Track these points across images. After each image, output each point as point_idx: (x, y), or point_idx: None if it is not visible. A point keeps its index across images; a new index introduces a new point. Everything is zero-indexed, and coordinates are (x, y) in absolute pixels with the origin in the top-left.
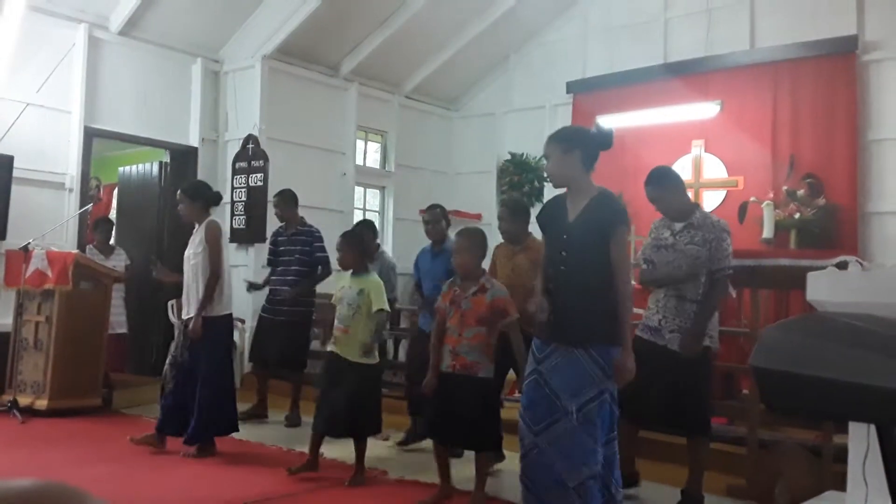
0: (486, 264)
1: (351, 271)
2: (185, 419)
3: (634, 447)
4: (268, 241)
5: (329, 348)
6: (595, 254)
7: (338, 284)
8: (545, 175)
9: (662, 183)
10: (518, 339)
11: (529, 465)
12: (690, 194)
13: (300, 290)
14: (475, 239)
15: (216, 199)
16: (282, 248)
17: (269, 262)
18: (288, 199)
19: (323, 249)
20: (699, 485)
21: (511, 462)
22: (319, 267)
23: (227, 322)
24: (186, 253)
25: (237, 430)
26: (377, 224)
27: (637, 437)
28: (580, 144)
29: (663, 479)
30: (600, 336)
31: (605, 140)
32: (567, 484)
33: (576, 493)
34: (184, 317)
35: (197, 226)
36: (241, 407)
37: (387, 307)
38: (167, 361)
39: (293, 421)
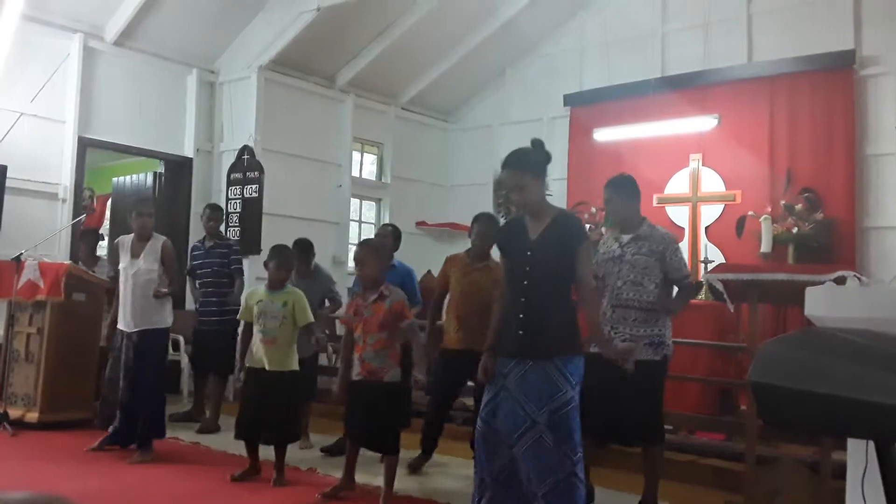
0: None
1: (266, 286)
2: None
3: (589, 460)
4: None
5: (248, 363)
6: (558, 269)
7: (251, 300)
8: (511, 205)
9: (618, 188)
10: (417, 341)
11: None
12: (688, 208)
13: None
14: (380, 251)
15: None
16: (198, 262)
17: (188, 273)
18: (219, 213)
19: (239, 262)
20: (654, 494)
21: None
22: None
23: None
24: (137, 267)
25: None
26: (373, 235)
27: (593, 451)
28: (544, 168)
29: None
30: (564, 347)
31: (549, 157)
32: (536, 494)
33: (544, 499)
34: (128, 329)
35: (138, 241)
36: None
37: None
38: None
39: (211, 426)
